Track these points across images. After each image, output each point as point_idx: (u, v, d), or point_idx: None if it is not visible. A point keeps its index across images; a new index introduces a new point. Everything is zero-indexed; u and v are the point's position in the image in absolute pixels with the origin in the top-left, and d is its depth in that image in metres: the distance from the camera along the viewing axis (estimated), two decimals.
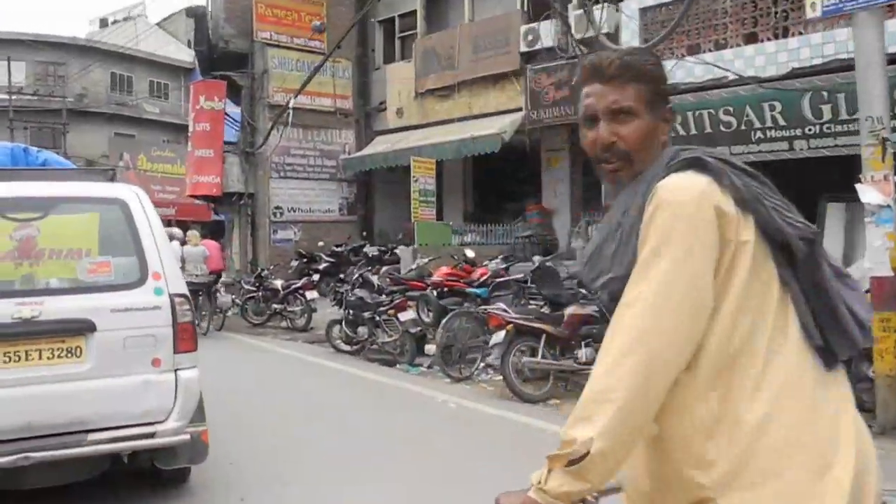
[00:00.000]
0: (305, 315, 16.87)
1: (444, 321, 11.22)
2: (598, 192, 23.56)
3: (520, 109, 20.02)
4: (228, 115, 22.45)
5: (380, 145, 22.96)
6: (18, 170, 6.23)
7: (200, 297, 15.93)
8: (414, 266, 15.48)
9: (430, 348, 11.87)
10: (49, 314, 4.95)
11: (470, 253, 15.00)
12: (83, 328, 5.06)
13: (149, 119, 48.60)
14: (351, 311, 12.95)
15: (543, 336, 9.51)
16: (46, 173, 6.17)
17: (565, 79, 18.82)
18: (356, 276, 14.20)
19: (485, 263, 14.69)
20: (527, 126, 19.61)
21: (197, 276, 16.31)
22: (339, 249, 21.60)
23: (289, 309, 17.24)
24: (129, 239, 5.31)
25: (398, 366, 12.10)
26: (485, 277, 12.91)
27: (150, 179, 47.61)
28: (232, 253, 22.93)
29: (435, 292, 13.16)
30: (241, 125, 21.99)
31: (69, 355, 5.03)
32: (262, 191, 21.96)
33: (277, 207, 22.03)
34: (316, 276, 20.01)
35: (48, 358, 4.97)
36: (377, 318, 12.34)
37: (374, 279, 14.00)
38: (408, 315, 12.05)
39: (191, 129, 21.88)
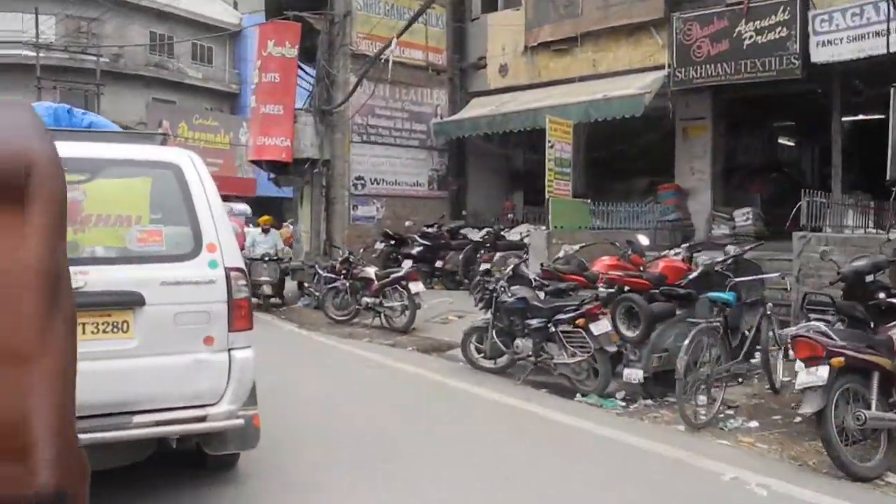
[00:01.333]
0: (408, 312, 13.56)
1: (655, 335, 8.49)
2: (749, 172, 20.20)
3: (659, 68, 16.51)
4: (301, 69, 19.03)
5: (477, 108, 19.51)
6: (62, 130, 5.30)
7: None
8: (561, 255, 12.01)
9: (631, 373, 8.42)
10: (95, 285, 4.58)
11: (644, 239, 11.67)
12: (131, 301, 4.76)
13: (190, 84, 45.54)
14: (508, 317, 9.50)
15: (876, 374, 6.06)
16: (92, 135, 5.60)
17: (724, 29, 15.33)
18: (508, 268, 10.65)
19: (663, 254, 11.27)
20: (670, 88, 16.04)
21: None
22: (430, 230, 18.19)
23: (386, 304, 13.80)
24: (183, 207, 5.01)
25: (580, 396, 8.73)
26: (693, 274, 9.42)
27: (191, 149, 44.16)
28: (300, 232, 19.49)
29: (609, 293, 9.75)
30: (317, 78, 18.55)
31: (115, 330, 4.73)
32: (340, 157, 18.61)
33: (359, 178, 18.65)
34: (407, 263, 16.60)
35: (92, 332, 4.61)
36: (553, 330, 8.88)
37: (530, 273, 10.48)
38: (602, 326, 8.61)
39: (255, 79, 18.62)
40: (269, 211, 41.91)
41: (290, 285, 19.23)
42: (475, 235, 18.25)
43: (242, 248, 17.50)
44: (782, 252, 12.10)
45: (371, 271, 14.57)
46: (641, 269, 11.58)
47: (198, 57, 46.51)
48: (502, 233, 17.23)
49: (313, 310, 16.86)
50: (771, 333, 8.83)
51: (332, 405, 8.49)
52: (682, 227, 16.72)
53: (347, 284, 14.86)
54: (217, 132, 44.98)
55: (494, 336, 9.91)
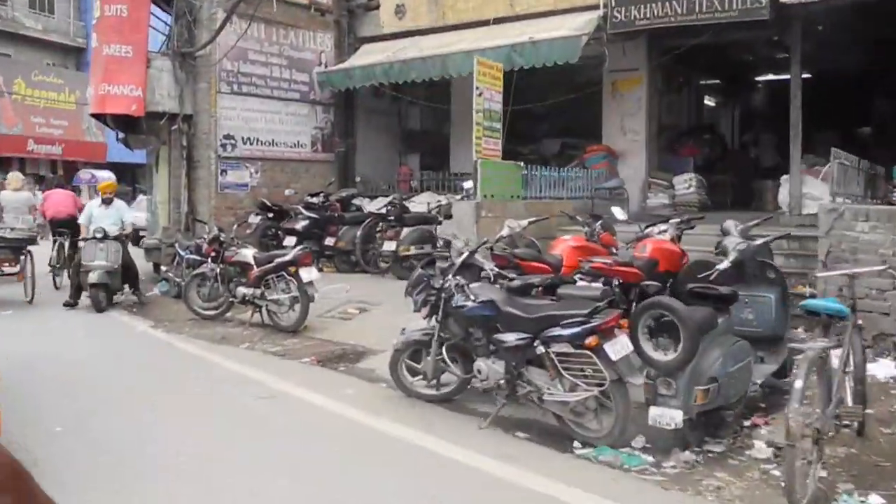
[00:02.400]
0: (298, 307, 10.39)
1: (698, 357, 5.65)
2: (679, 134, 17.60)
3: (592, 8, 13.59)
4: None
5: (368, 56, 16.12)
6: None
7: (23, 256, 12.81)
8: (505, 233, 8.97)
9: (664, 415, 5.56)
10: None
11: (620, 213, 8.76)
12: None
13: (29, 36, 39.99)
14: (465, 328, 6.44)
15: None
16: None
17: None
18: (459, 255, 7.43)
19: (646, 231, 8.50)
20: (606, 31, 13.22)
21: (13, 229, 13.33)
22: (316, 200, 14.84)
23: (269, 296, 10.49)
24: None
25: (580, 447, 5.79)
26: (725, 264, 6.61)
27: (29, 110, 39.17)
28: (156, 203, 15.73)
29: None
30: (176, 13, 14.79)
31: None
32: (204, 112, 14.94)
33: (228, 137, 15.01)
34: (290, 240, 13.28)
35: None
36: (543, 350, 5.84)
37: (486, 264, 7.33)
38: (622, 347, 5.63)
39: (96, 12, 14.61)
40: (124, 180, 37.22)
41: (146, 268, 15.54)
42: (371, 206, 14.99)
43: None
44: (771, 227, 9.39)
45: (249, 254, 11.15)
46: (614, 251, 8.71)
47: (36, 5, 40.98)
48: (405, 203, 14.03)
49: (173, 299, 13.33)
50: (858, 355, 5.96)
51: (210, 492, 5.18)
52: (621, 196, 13.93)
53: (217, 270, 11.41)
54: (60, 90, 39.77)
55: (444, 353, 6.77)
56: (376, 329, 10.30)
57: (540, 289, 7.14)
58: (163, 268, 14.10)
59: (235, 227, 12.89)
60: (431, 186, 16.41)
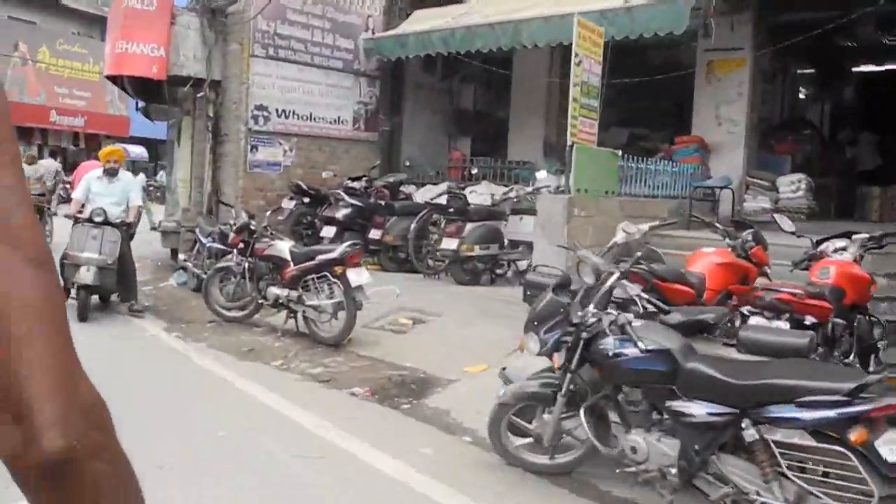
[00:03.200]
0: (343, 316, 8.21)
1: None
2: (775, 128, 15.08)
3: None
4: None
5: (422, 22, 13.78)
6: None
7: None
8: (618, 239, 6.72)
9: None
10: None
11: (787, 225, 6.45)
12: None
13: (56, 4, 37.75)
14: (619, 381, 4.28)
15: None
16: None
17: None
18: (589, 276, 5.13)
19: (819, 249, 6.30)
20: (712, 4, 10.98)
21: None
22: (357, 185, 12.56)
23: (308, 301, 8.31)
24: None
25: None
26: None
27: (53, 79, 37.10)
28: (176, 181, 13.56)
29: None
30: None
31: None
32: (235, 78, 12.70)
33: (261, 108, 12.77)
34: (328, 230, 11.09)
35: None
36: (760, 437, 3.62)
37: (628, 287, 5.02)
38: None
39: None
40: (149, 157, 34.95)
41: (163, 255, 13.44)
42: (423, 195, 12.76)
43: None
44: None
45: (285, 248, 8.95)
46: (767, 270, 6.45)
47: None
48: (463, 192, 11.79)
49: (192, 293, 11.21)
50: None
51: None
52: (714, 196, 11.65)
53: (246, 265, 9.23)
54: (85, 60, 37.70)
55: (582, 417, 4.55)
56: (438, 347, 8.16)
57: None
58: (181, 256, 11.93)
59: (269, 213, 10.66)
60: (487, 175, 14.15)
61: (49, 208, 15.45)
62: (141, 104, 15.53)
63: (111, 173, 10.15)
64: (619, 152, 10.13)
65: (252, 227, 9.35)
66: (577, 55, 9.00)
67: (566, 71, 14.59)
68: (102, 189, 10.05)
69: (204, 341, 8.79)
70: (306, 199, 12.44)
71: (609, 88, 13.03)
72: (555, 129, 15.21)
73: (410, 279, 11.02)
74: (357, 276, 8.35)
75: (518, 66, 15.02)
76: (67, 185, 18.29)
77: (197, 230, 11.55)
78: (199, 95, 12.72)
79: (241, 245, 9.28)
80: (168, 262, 13.52)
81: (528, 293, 6.10)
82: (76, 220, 9.82)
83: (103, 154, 10.62)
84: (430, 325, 9.06)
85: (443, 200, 11.73)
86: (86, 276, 9.28)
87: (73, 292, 9.37)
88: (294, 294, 8.63)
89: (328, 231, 11.59)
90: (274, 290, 8.84)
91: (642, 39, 10.77)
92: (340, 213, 11.68)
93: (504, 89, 15.93)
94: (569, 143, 8.86)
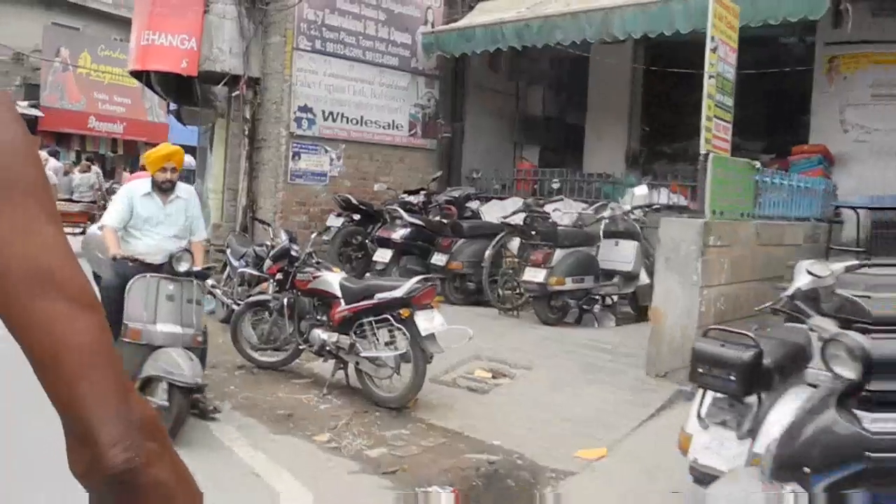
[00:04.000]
0: (408, 372, 6.32)
1: None
2: None
3: None
4: None
5: (487, 15, 11.68)
6: None
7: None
8: (804, 285, 4.41)
9: None
10: None
11: None
12: None
13: (97, 10, 36.43)
14: None
15: None
16: None
17: None
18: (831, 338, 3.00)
19: None
20: None
21: None
22: (413, 200, 10.52)
23: (364, 352, 6.26)
24: None
25: None
26: None
27: (93, 85, 35.51)
28: (207, 192, 11.58)
29: None
30: None
31: None
32: (276, 75, 10.70)
33: (305, 109, 10.75)
34: (383, 254, 9.02)
35: None
36: None
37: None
38: None
39: None
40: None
41: None
42: (492, 211, 10.68)
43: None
44: None
45: (334, 281, 6.91)
46: None
47: None
48: (548, 210, 9.66)
49: (220, 324, 9.25)
50: None
51: None
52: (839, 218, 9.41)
53: (285, 301, 7.18)
54: (125, 66, 36.15)
55: None
56: (532, 417, 6.17)
57: None
58: (208, 281, 9.90)
59: (314, 235, 8.55)
60: (563, 189, 12.02)
61: (99, 215, 14.63)
62: (173, 106, 13.64)
63: (165, 189, 6.33)
64: (758, 163, 7.90)
65: (294, 253, 7.30)
66: (712, 39, 6.82)
67: (652, 70, 12.49)
68: (155, 212, 6.30)
69: (229, 397, 6.75)
70: (356, 216, 10.39)
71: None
72: (638, 137, 13.06)
73: (482, 315, 8.92)
74: (428, 321, 6.27)
75: (596, 65, 12.90)
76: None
77: (228, 251, 9.55)
78: (234, 94, 10.77)
79: (280, 275, 7.23)
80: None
81: (700, 371, 3.95)
82: (127, 260, 5.87)
83: (155, 158, 6.48)
84: (517, 382, 6.98)
85: (517, 219, 9.62)
86: (182, 369, 5.35)
87: (159, 397, 5.34)
88: (345, 341, 6.59)
89: (382, 254, 9.53)
90: (320, 334, 6.81)
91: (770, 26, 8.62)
92: (398, 234, 9.60)
93: (576, 92, 13.83)
94: (702, 151, 6.68)
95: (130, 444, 0.89)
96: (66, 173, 17.21)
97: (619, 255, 8.95)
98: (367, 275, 8.75)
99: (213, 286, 9.54)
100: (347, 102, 11.28)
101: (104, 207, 17.65)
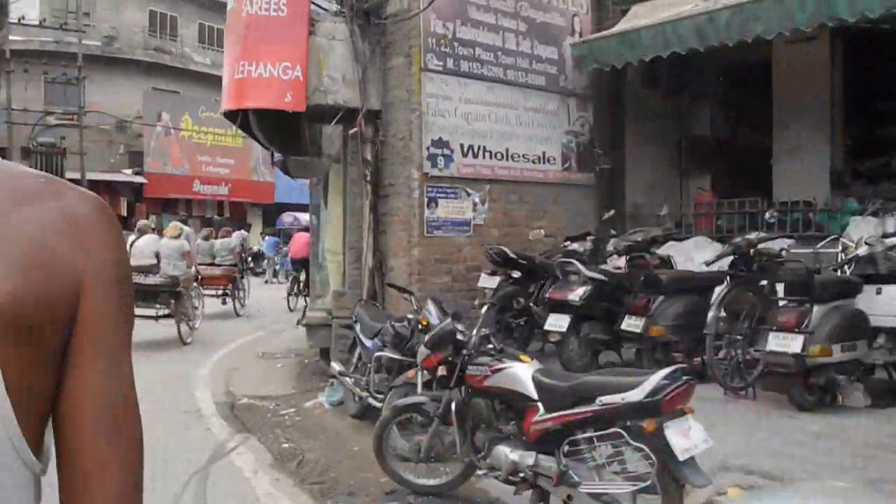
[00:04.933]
0: None
1: None
2: None
3: None
4: None
5: (646, 17, 9.44)
6: None
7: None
8: None
9: None
10: None
11: None
12: None
13: (196, 71, 35.86)
14: None
15: None
16: None
17: None
18: None
19: None
20: None
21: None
22: (579, 247, 8.31)
23: (584, 480, 3.94)
24: None
25: None
26: None
27: (196, 148, 34.64)
28: (324, 252, 9.64)
29: None
30: None
31: None
32: (401, 105, 8.72)
33: (439, 144, 8.70)
34: (558, 321, 6.72)
35: None
36: None
37: None
38: None
39: None
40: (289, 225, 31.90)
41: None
42: (678, 257, 8.33)
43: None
44: None
45: (525, 374, 4.69)
46: None
47: (205, 39, 36.96)
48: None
49: (352, 421, 7.23)
50: None
51: None
52: None
53: (452, 405, 5.00)
54: (228, 126, 35.27)
55: None
56: None
57: None
58: (334, 364, 7.83)
59: (484, 309, 6.31)
60: (744, 224, 9.64)
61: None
62: (278, 157, 11.93)
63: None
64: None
65: (460, 337, 5.12)
66: None
67: (854, 67, 10.08)
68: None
69: None
70: (515, 274, 8.18)
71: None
72: (841, 154, 10.57)
73: (703, 398, 6.51)
74: (684, 436, 4.02)
75: (781, 69, 10.52)
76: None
77: (357, 327, 7.47)
78: (351, 132, 8.79)
79: (443, 369, 5.07)
80: (318, 365, 9.64)
81: None
82: None
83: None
84: None
85: (722, 265, 7.28)
86: None
87: None
88: (550, 465, 4.39)
89: (557, 321, 7.27)
90: (507, 454, 4.63)
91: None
92: (576, 294, 7.30)
93: (750, 107, 11.46)
94: None
95: None
96: (207, 238, 17.82)
97: (880, 306, 6.49)
98: (534, 348, 6.51)
99: (340, 372, 7.51)
100: (489, 133, 9.16)
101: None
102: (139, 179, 32.10)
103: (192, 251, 13.55)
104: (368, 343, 7.16)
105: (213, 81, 36.53)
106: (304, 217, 36.88)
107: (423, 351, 5.25)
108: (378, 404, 6.82)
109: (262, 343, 13.00)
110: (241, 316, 16.70)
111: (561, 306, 7.33)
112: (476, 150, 8.99)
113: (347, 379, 7.40)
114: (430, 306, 6.64)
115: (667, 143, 11.56)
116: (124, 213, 30.38)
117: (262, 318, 16.41)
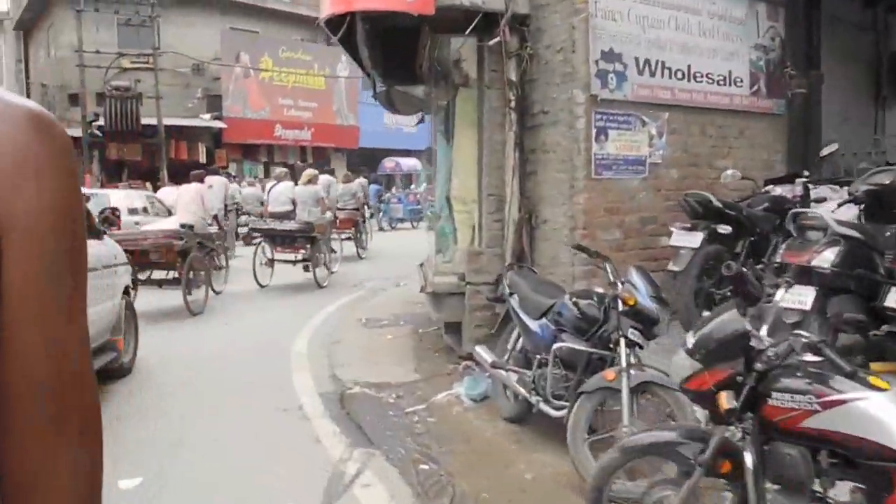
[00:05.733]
0: None
1: None
2: None
3: None
4: None
5: None
6: None
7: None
8: None
9: None
10: None
11: None
12: None
13: (276, 10, 34.18)
14: None
15: None
16: None
17: None
18: None
19: None
20: None
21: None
22: (787, 194, 6.10)
23: None
24: None
25: None
26: None
27: (277, 90, 32.79)
28: (445, 202, 7.68)
29: None
30: None
31: None
32: (557, 7, 6.46)
33: (611, 57, 6.54)
34: (795, 295, 4.53)
35: None
36: None
37: None
38: None
39: None
40: (373, 171, 30.60)
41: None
42: None
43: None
44: None
45: (890, 417, 2.61)
46: None
47: None
48: None
49: (506, 426, 5.30)
50: None
51: None
52: None
53: (748, 455, 3.00)
54: (310, 67, 33.58)
55: None
56: None
57: None
58: (479, 351, 5.88)
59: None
60: None
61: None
62: (380, 86, 9.99)
63: None
64: None
65: (754, 343, 3.10)
66: None
67: None
68: None
69: None
70: (723, 229, 6.10)
71: None
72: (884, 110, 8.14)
73: None
74: None
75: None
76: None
77: (513, 300, 5.51)
78: (491, 43, 6.74)
79: (729, 398, 3.07)
80: (440, 340, 7.78)
81: None
82: None
83: None
84: None
85: None
86: None
87: None
88: None
89: (798, 295, 5.19)
90: None
91: None
92: (824, 258, 5.19)
93: None
94: None
95: None
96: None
97: None
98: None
99: (493, 364, 5.59)
100: (668, 45, 7.00)
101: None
102: (218, 124, 30.59)
103: (325, 198, 13.57)
104: (535, 326, 5.21)
105: (294, 20, 34.82)
106: (407, 162, 35.37)
107: (682, 362, 3.26)
108: (556, 413, 4.89)
109: (361, 306, 11.26)
110: (363, 259, 17.04)
111: (804, 275, 5.24)
112: (654, 66, 6.86)
113: (501, 372, 5.48)
114: (636, 278, 4.68)
115: (860, 64, 9.23)
116: (203, 160, 28.98)
117: (385, 261, 16.37)
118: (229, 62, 30.92)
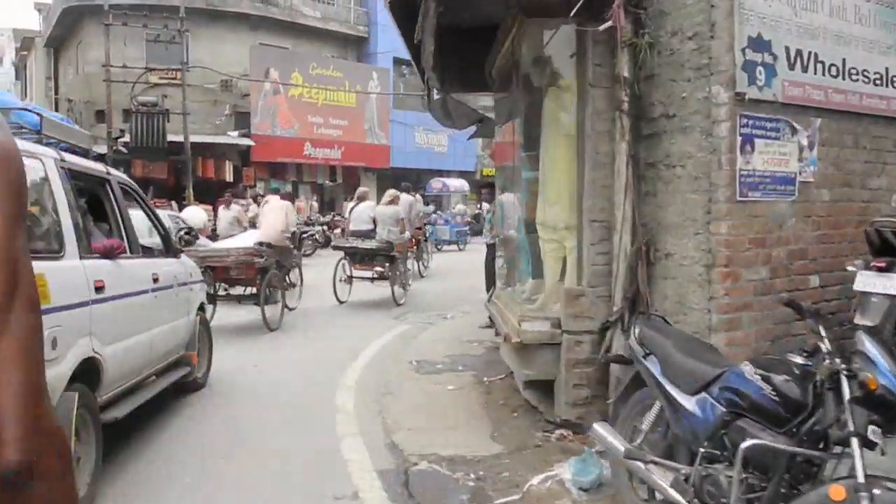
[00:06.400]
0: None
1: None
2: None
3: None
4: None
5: None
6: None
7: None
8: None
9: None
10: None
11: None
12: None
13: (306, 26, 33.04)
14: None
15: None
16: None
17: None
18: None
19: None
20: None
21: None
22: None
23: None
24: None
25: None
26: None
27: (306, 108, 31.37)
28: (523, 229, 6.11)
29: None
30: None
31: None
32: None
33: (759, 45, 5.00)
34: None
35: None
36: None
37: None
38: None
39: None
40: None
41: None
42: None
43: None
44: None
45: None
46: None
47: None
48: None
49: None
50: None
51: None
52: None
53: None
54: (340, 84, 32.33)
55: None
56: None
57: None
58: (600, 432, 4.35)
59: None
60: None
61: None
62: (436, 95, 8.71)
63: None
64: None
65: None
66: None
67: None
68: None
69: None
70: None
71: None
72: None
73: None
74: None
75: None
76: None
77: (653, 366, 4.01)
78: (601, 29, 5.26)
79: None
80: (516, 396, 6.30)
81: None
82: None
83: None
84: None
85: None
86: None
87: None
88: None
89: None
90: None
91: None
92: None
93: None
94: None
95: (30, 448, 0.89)
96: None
97: None
98: None
99: (628, 453, 4.08)
100: (822, 32, 5.50)
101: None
102: (246, 142, 29.36)
103: (405, 218, 13.96)
104: (691, 404, 3.70)
105: (324, 36, 33.68)
106: (454, 183, 33.99)
107: None
108: None
109: (409, 342, 9.85)
110: (424, 277, 17.73)
111: None
112: (805, 59, 5.35)
113: (640, 465, 3.96)
114: (870, 347, 3.15)
115: None
116: (230, 178, 27.71)
117: (443, 279, 17.36)
118: (258, 78, 29.73)
